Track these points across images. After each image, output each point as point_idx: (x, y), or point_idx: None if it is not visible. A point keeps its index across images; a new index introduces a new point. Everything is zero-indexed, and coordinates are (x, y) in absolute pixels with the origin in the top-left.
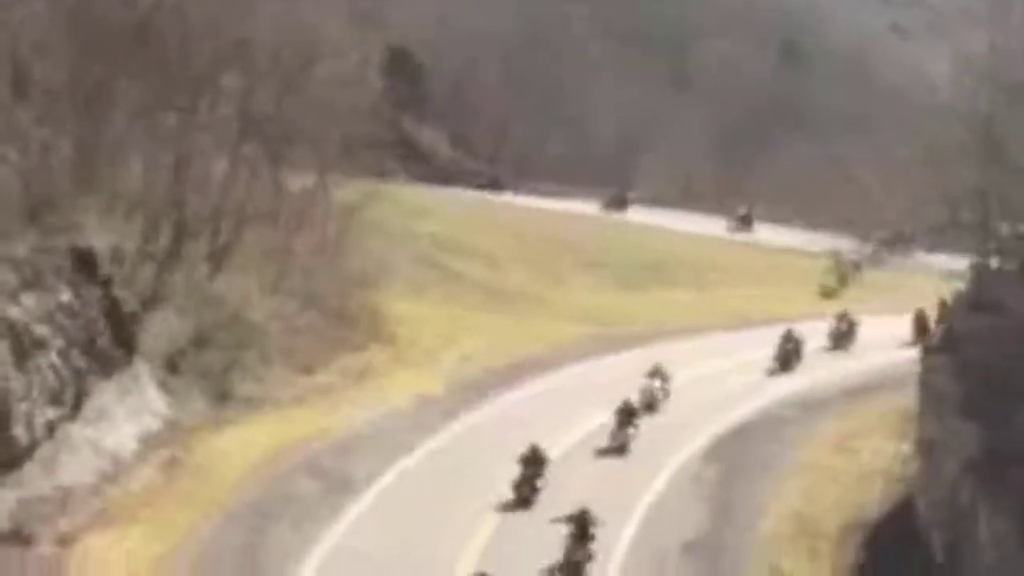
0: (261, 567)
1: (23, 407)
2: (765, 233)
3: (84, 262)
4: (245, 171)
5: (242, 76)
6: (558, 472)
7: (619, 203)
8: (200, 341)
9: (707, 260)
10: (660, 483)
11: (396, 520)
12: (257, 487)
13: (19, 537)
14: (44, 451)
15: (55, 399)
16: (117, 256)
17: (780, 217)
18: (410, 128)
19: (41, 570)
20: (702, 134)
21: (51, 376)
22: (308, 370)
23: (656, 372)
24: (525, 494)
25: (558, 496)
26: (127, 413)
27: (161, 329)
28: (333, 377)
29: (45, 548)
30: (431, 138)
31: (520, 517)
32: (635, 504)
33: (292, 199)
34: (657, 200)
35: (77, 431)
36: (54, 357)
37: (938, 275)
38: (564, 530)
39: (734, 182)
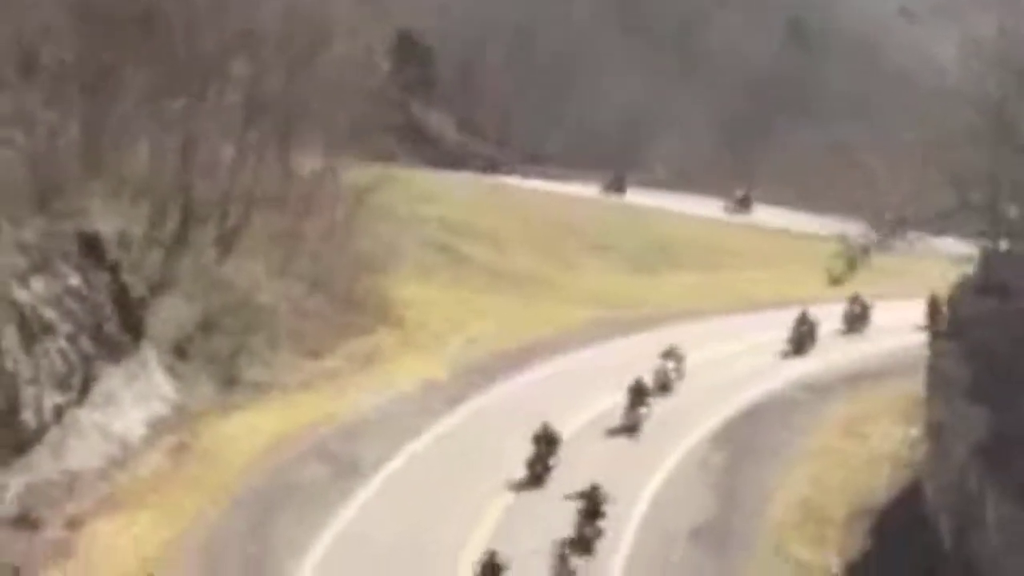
0: (270, 552)
1: (31, 391)
2: (764, 215)
3: (92, 247)
4: (253, 155)
5: (249, 60)
6: (569, 452)
7: (617, 186)
8: (208, 326)
9: (712, 242)
10: (669, 465)
11: (406, 503)
12: (265, 472)
13: (27, 521)
14: (52, 436)
15: (63, 384)
16: (124, 241)
17: (784, 200)
18: (418, 112)
19: (49, 554)
20: (707, 117)
21: (59, 361)
22: (316, 354)
23: (670, 353)
24: (538, 472)
25: (570, 475)
26: (135, 398)
27: (169, 314)
28: (341, 361)
29: (53, 532)
30: (438, 122)
31: (533, 496)
32: (644, 485)
33: (300, 183)
34: (656, 183)
35: (85, 416)
36: (62, 342)
37: (947, 259)
38: (575, 507)
39: (738, 165)
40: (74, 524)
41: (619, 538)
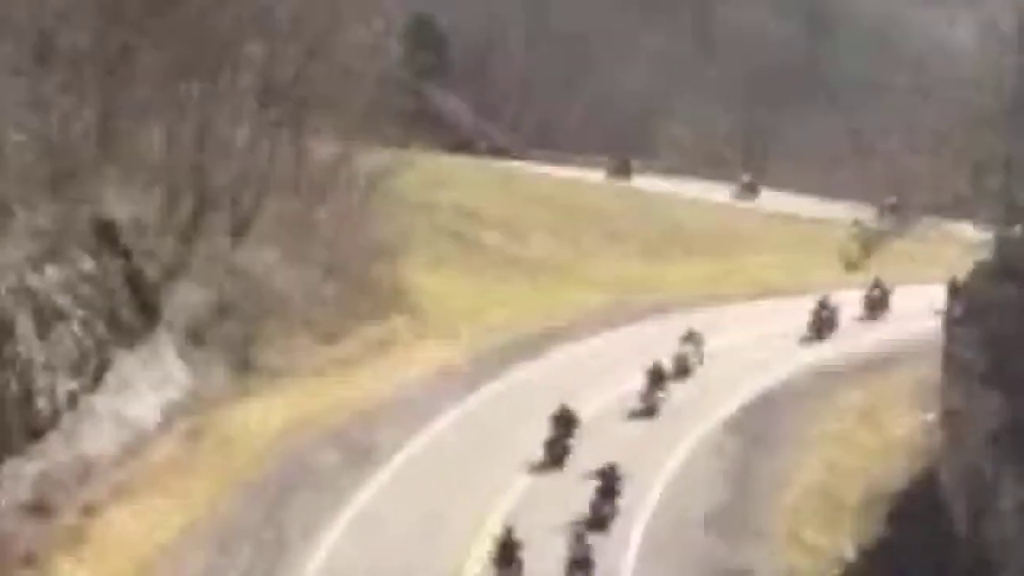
0: (284, 538)
1: (45, 378)
2: (773, 200)
3: (106, 233)
4: (267, 140)
5: (264, 44)
6: (587, 435)
7: (623, 170)
8: (222, 311)
9: (724, 228)
10: (684, 450)
11: (423, 485)
12: (280, 458)
13: (41, 508)
14: (66, 422)
15: (77, 370)
16: (139, 226)
17: (799, 186)
18: (432, 96)
19: (63, 541)
20: (721, 102)
21: (73, 347)
22: (330, 340)
23: (690, 337)
24: (557, 453)
25: (587, 457)
26: (149, 384)
27: (183, 300)
28: (356, 347)
29: (67, 519)
30: (454, 106)
31: (552, 476)
32: (660, 469)
33: (314, 168)
34: (665, 168)
35: (99, 402)
36: (76, 328)
37: (962, 244)
38: (592, 486)
39: (752, 150)
40: (88, 511)
41: (632, 522)
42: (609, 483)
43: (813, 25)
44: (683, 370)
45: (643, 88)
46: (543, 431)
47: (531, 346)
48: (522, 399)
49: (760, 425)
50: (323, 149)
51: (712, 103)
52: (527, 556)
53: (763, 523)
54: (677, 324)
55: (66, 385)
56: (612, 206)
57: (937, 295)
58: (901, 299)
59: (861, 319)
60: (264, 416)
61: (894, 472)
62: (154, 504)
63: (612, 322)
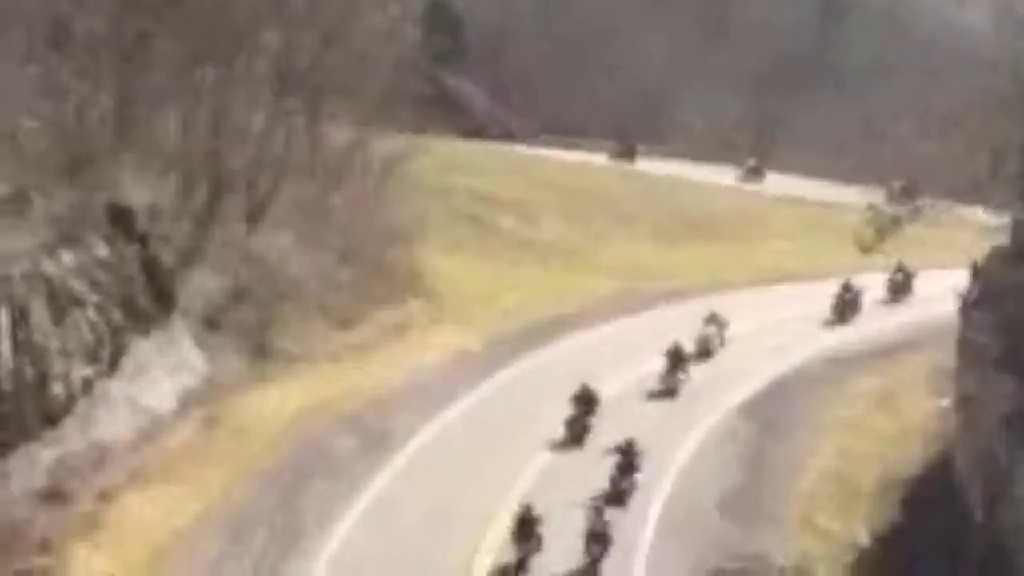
0: (300, 524)
1: (61, 364)
2: (777, 183)
3: (121, 218)
4: (283, 126)
5: (280, 30)
6: (606, 415)
7: (627, 153)
8: (238, 297)
9: (733, 210)
10: (703, 432)
11: (442, 464)
12: (295, 444)
13: (57, 494)
14: (81, 408)
15: (92, 356)
16: (154, 212)
17: (810, 170)
18: (448, 81)
19: (79, 527)
20: (731, 86)
21: (88, 333)
22: (346, 325)
23: (712, 319)
24: (577, 431)
25: (607, 437)
26: (165, 370)
27: (198, 285)
28: (372, 332)
29: (83, 505)
30: (469, 91)
31: (572, 454)
32: (678, 449)
33: (330, 153)
34: (673, 152)
35: (115, 388)
36: (91, 314)
37: (975, 229)
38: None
39: (762, 134)
40: (104, 497)
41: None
42: (628, 458)
43: (823, 9)
44: (705, 352)
45: (655, 74)
46: (563, 413)
47: (547, 331)
48: (541, 383)
49: (776, 409)
50: (339, 134)
51: (723, 90)
52: (546, 531)
53: (777, 507)
54: (694, 309)
55: (81, 371)
56: (618, 188)
57: (960, 279)
58: (923, 283)
59: (884, 302)
60: (279, 402)
61: (909, 458)
62: (169, 490)
63: (629, 308)
